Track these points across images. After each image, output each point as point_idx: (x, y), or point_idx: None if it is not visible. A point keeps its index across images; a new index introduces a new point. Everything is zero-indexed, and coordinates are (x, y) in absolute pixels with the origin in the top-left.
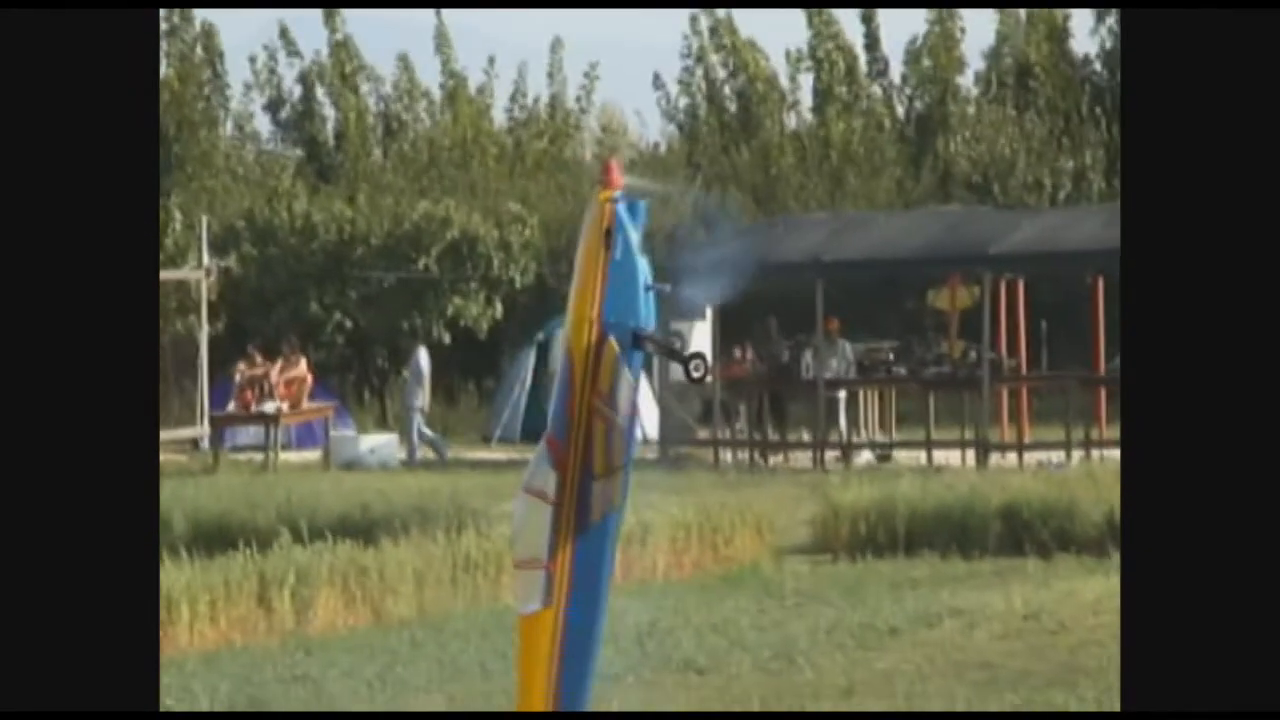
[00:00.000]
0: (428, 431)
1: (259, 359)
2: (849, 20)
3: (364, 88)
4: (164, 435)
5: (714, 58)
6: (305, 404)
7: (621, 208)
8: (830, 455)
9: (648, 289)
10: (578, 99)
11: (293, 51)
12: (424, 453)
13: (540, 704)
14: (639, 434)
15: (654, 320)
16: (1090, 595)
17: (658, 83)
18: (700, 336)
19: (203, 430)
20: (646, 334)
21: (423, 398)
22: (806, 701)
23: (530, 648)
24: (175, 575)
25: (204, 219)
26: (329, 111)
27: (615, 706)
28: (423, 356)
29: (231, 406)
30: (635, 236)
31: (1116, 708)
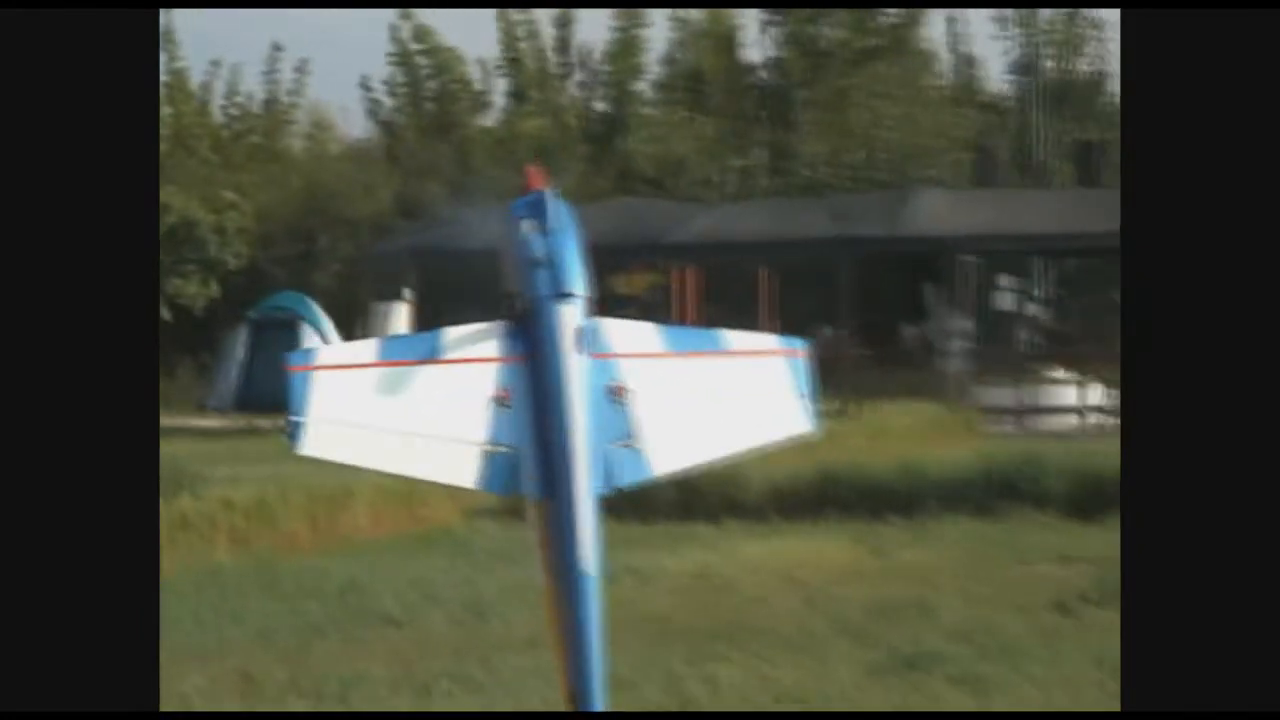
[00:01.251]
0: None
1: None
2: (544, 25)
3: None
4: None
5: (417, 60)
6: None
7: (543, 201)
8: None
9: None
10: (289, 94)
11: None
12: None
13: (559, 668)
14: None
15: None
16: (754, 556)
17: (365, 83)
18: (398, 318)
19: None
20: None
21: None
22: (493, 652)
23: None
24: None
25: None
26: None
27: (317, 657)
28: None
29: None
30: (526, 225)
31: (777, 663)
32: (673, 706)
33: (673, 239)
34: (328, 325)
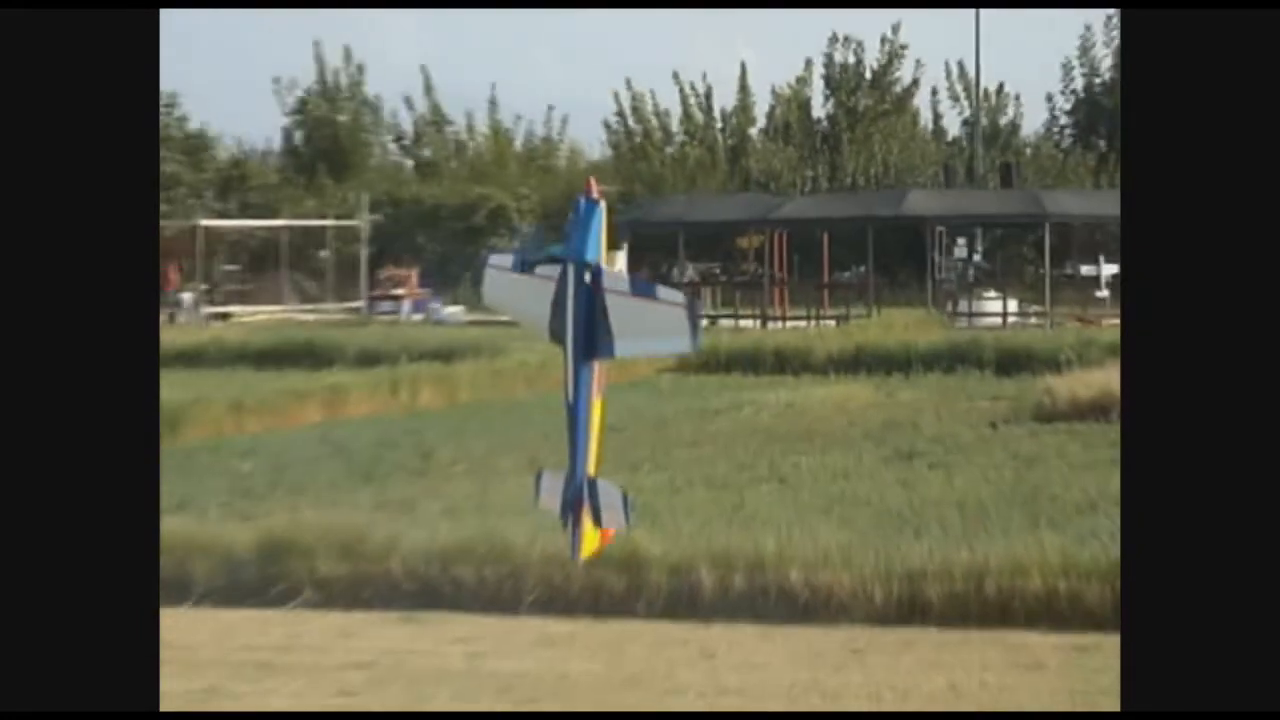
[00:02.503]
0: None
1: (392, 267)
2: (700, 94)
3: (447, 129)
4: (340, 306)
5: (630, 115)
6: (415, 290)
7: (581, 202)
8: None
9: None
10: (558, 135)
11: (410, 107)
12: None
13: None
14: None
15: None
16: (818, 395)
17: (605, 124)
18: (619, 260)
19: (363, 304)
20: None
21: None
22: (671, 446)
23: None
24: (348, 378)
25: (363, 194)
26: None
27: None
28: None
29: (377, 291)
30: (584, 219)
31: (831, 454)
32: (774, 481)
33: (772, 216)
34: None
